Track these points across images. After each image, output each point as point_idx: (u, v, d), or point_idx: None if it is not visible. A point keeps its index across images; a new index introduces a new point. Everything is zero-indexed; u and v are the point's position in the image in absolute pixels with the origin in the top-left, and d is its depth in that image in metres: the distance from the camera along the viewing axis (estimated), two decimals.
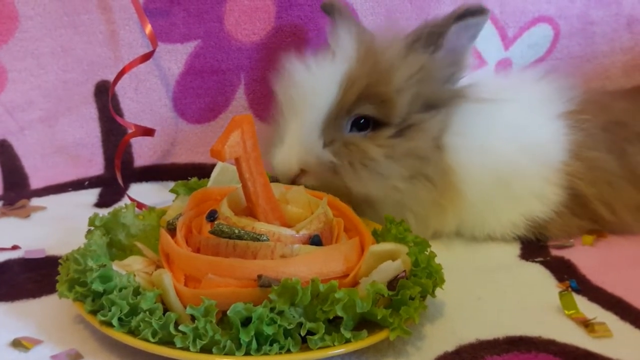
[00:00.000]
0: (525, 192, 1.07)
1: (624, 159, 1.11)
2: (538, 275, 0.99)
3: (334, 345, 0.73)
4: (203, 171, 1.32)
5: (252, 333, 0.72)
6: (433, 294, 0.83)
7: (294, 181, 1.04)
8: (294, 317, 0.74)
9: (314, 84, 1.04)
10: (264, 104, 1.37)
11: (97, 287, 0.77)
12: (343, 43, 1.08)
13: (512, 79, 1.23)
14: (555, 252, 1.06)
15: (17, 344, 0.78)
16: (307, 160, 1.03)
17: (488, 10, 1.04)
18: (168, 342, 0.73)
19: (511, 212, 1.08)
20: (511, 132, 1.07)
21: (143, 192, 1.28)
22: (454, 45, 1.05)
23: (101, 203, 1.25)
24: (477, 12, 1.04)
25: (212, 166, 1.04)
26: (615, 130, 1.12)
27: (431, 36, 1.05)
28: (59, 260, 0.85)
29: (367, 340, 0.75)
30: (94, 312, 0.77)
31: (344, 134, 1.04)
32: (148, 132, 1.29)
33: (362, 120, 1.04)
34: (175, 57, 1.34)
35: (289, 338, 0.73)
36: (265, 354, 0.72)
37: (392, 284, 0.79)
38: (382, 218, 1.00)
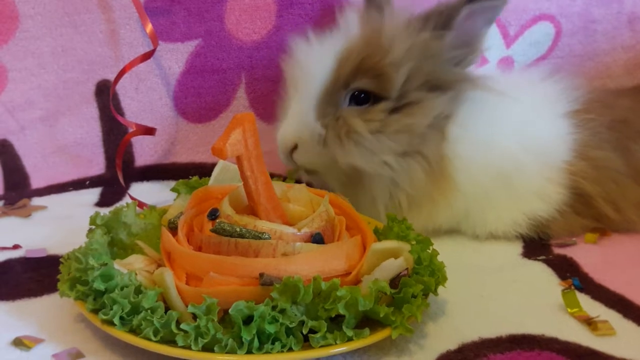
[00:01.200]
0: (527, 191, 1.06)
1: (629, 157, 1.11)
2: (541, 274, 0.99)
3: (336, 344, 0.73)
4: (204, 170, 1.32)
5: (254, 331, 0.72)
6: (435, 292, 0.82)
7: (290, 157, 1.07)
8: (295, 315, 0.74)
9: (312, 58, 1.05)
10: (265, 103, 1.37)
11: (99, 285, 0.76)
12: (348, 21, 1.08)
13: (517, 78, 1.22)
14: (557, 251, 1.06)
15: (18, 343, 0.78)
16: (301, 134, 1.05)
17: None
18: (170, 341, 0.73)
19: (513, 210, 1.08)
20: (515, 128, 1.06)
21: (144, 192, 1.28)
22: (466, 28, 1.03)
23: (102, 202, 1.25)
24: None
25: (213, 165, 1.04)
26: (620, 129, 1.12)
27: (441, 16, 1.03)
28: (60, 259, 0.85)
29: (370, 339, 0.75)
30: (95, 311, 0.77)
31: (341, 108, 1.04)
32: (149, 131, 1.28)
33: (363, 95, 1.03)
34: (176, 56, 1.33)
35: (291, 336, 0.73)
36: (267, 352, 0.72)
37: (395, 282, 0.79)
38: (375, 199, 1.02)
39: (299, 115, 1.05)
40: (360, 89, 1.03)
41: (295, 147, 1.06)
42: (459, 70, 1.06)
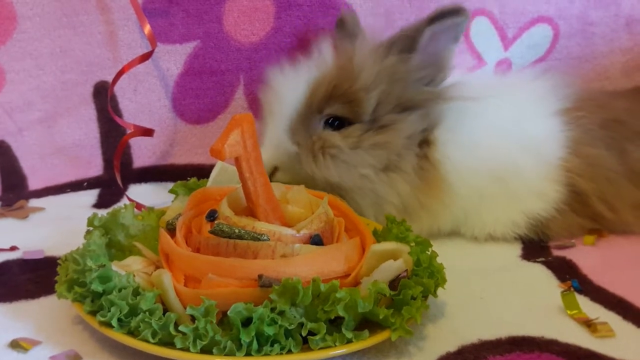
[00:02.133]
0: (524, 190, 1.07)
1: (624, 157, 1.11)
2: (540, 276, 0.98)
3: (335, 346, 0.73)
4: (202, 172, 1.31)
5: (253, 333, 0.71)
6: (435, 294, 0.82)
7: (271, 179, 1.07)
8: (295, 317, 0.74)
9: (286, 86, 1.09)
10: None
11: (96, 287, 0.76)
12: (321, 48, 1.11)
13: (509, 78, 1.24)
14: (556, 252, 1.06)
15: (15, 345, 0.78)
16: (278, 156, 1.07)
17: (466, 10, 1.04)
18: (168, 343, 0.72)
19: (511, 211, 1.08)
20: (504, 128, 1.07)
21: (142, 193, 1.28)
22: (431, 48, 1.06)
23: (100, 204, 1.25)
24: (453, 12, 1.03)
25: (211, 167, 1.04)
26: (615, 128, 1.12)
27: (405, 40, 1.06)
28: (58, 261, 0.84)
29: (369, 341, 0.74)
30: (93, 313, 0.76)
31: (316, 132, 1.06)
32: (147, 132, 1.28)
33: (336, 122, 1.06)
34: (174, 58, 1.33)
35: (290, 338, 0.73)
36: (266, 354, 0.71)
37: (394, 283, 0.79)
38: (362, 213, 1.03)
39: (274, 139, 1.08)
40: (334, 115, 1.06)
41: (276, 170, 1.09)
42: (430, 89, 1.08)
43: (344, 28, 1.21)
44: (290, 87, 1.08)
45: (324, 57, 1.10)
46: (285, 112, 1.07)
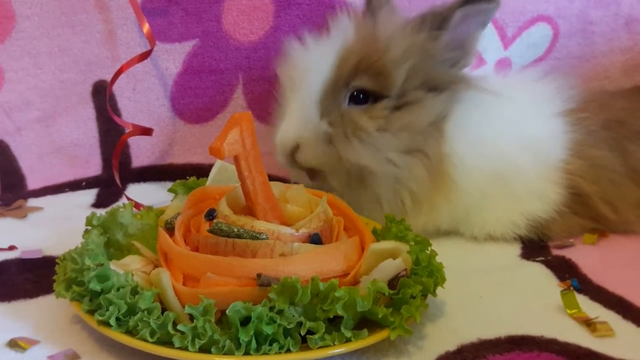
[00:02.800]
0: (525, 190, 1.06)
1: (626, 157, 1.11)
2: (539, 275, 0.98)
3: (334, 345, 0.73)
4: (201, 171, 1.30)
5: (252, 332, 0.71)
6: (434, 293, 0.82)
7: (292, 158, 1.06)
8: (293, 316, 0.73)
9: (310, 59, 1.06)
10: (263, 103, 1.36)
11: (95, 286, 0.76)
12: (342, 24, 1.08)
13: (512, 78, 1.23)
14: (556, 252, 1.06)
15: (13, 344, 0.77)
16: (304, 133, 1.04)
17: None
18: (166, 342, 0.72)
19: (511, 211, 1.08)
20: (509, 127, 1.07)
21: (141, 193, 1.27)
22: (460, 30, 1.04)
23: (99, 203, 1.25)
24: None
25: (210, 166, 1.04)
26: (616, 129, 1.12)
27: (435, 18, 1.04)
28: (56, 260, 0.84)
29: (368, 340, 0.74)
30: (91, 312, 0.76)
31: (342, 108, 1.04)
32: (146, 131, 1.28)
33: (361, 95, 1.04)
34: (173, 57, 1.33)
35: (289, 337, 0.72)
36: (265, 353, 0.71)
37: (393, 282, 0.79)
38: (379, 198, 1.02)
39: (300, 115, 1.04)
40: (361, 87, 1.03)
41: (296, 148, 1.05)
42: (455, 72, 1.07)
43: (371, 3, 1.16)
44: (316, 60, 1.05)
45: (346, 30, 1.06)
46: (311, 87, 1.04)
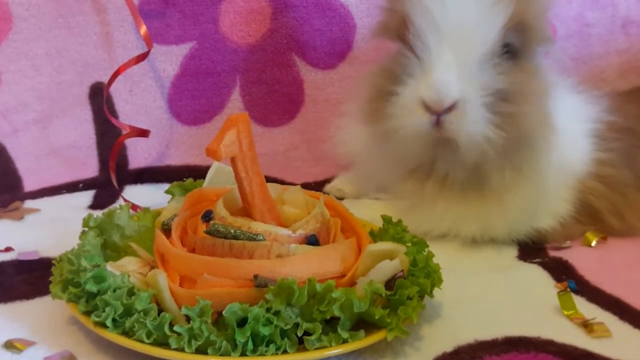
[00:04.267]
0: (541, 208, 1.05)
1: (633, 166, 1.09)
2: (536, 276, 0.98)
3: (331, 346, 0.73)
4: (198, 173, 1.30)
5: (248, 334, 0.71)
6: (431, 294, 0.82)
7: (438, 121, 0.93)
8: (290, 317, 0.73)
9: (469, 8, 0.93)
10: (260, 105, 1.37)
11: (91, 287, 0.76)
12: None
13: None
14: (553, 253, 1.06)
15: (9, 345, 0.77)
16: (469, 86, 0.92)
17: None
18: (163, 343, 0.72)
19: (522, 224, 1.06)
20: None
21: (138, 194, 1.27)
22: None
23: (96, 205, 1.24)
24: None
25: (208, 168, 1.03)
26: (625, 137, 1.10)
27: None
28: (53, 261, 0.84)
29: (365, 341, 0.74)
30: (87, 313, 0.76)
31: (498, 62, 0.94)
32: (143, 133, 1.28)
33: (505, 50, 0.95)
34: (170, 59, 1.33)
35: (286, 338, 0.72)
36: (262, 354, 0.71)
37: (390, 283, 0.79)
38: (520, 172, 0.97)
39: (462, 67, 0.92)
40: (510, 43, 0.94)
41: (453, 107, 0.92)
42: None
43: None
44: (478, 11, 0.92)
45: None
46: (473, 41, 0.92)
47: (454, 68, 0.91)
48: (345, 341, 0.73)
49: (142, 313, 0.73)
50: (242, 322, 0.72)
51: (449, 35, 0.93)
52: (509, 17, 0.93)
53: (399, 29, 0.98)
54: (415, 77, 0.94)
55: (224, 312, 0.72)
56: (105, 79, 1.30)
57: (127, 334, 0.73)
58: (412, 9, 0.95)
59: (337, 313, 0.73)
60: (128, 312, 0.74)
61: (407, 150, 0.99)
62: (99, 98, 1.32)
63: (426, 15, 0.93)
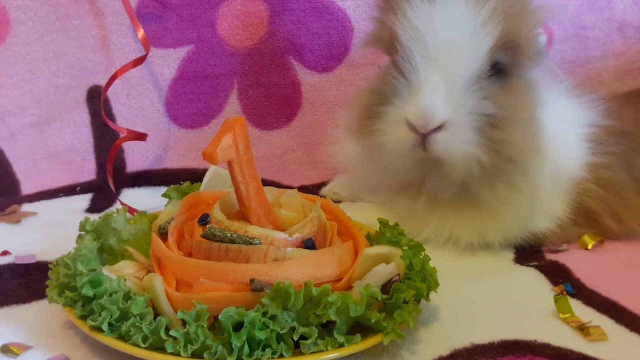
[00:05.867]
0: (537, 210, 1.05)
1: (632, 170, 1.09)
2: (533, 280, 0.98)
3: (328, 350, 0.73)
4: (195, 176, 1.30)
5: (245, 338, 0.71)
6: (427, 298, 0.82)
7: (424, 140, 0.92)
8: (286, 321, 0.73)
9: (459, 28, 0.92)
10: (258, 109, 1.37)
11: (88, 292, 0.76)
12: None
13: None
14: (549, 257, 1.06)
15: (6, 350, 0.77)
16: (456, 110, 0.92)
17: None
18: (159, 348, 0.72)
19: (517, 227, 1.06)
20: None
21: (135, 198, 1.27)
22: None
23: (93, 209, 1.24)
24: None
25: (205, 171, 1.03)
26: (623, 141, 1.10)
27: None
28: (49, 266, 0.84)
29: (361, 345, 0.74)
30: (84, 318, 0.76)
31: (486, 85, 0.94)
32: (140, 137, 1.28)
33: (492, 70, 0.94)
34: (168, 63, 1.33)
35: (282, 343, 0.72)
36: (258, 359, 0.71)
37: (386, 287, 0.79)
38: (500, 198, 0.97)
39: (449, 90, 0.91)
40: (497, 62, 0.94)
41: (441, 128, 0.92)
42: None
43: None
44: (464, 30, 0.92)
45: None
46: (461, 61, 0.91)
47: (441, 91, 0.91)
48: (341, 345, 0.73)
49: (138, 317, 0.73)
50: (238, 327, 0.72)
51: (438, 57, 0.93)
52: (498, 36, 0.92)
53: (389, 44, 0.98)
54: (403, 99, 0.95)
55: (220, 317, 0.72)
56: (102, 83, 1.30)
57: (124, 338, 0.73)
58: (401, 28, 0.94)
59: (333, 317, 0.73)
60: (124, 316, 0.74)
61: (394, 166, 1.00)
62: (97, 102, 1.32)
63: (415, 35, 0.93)
